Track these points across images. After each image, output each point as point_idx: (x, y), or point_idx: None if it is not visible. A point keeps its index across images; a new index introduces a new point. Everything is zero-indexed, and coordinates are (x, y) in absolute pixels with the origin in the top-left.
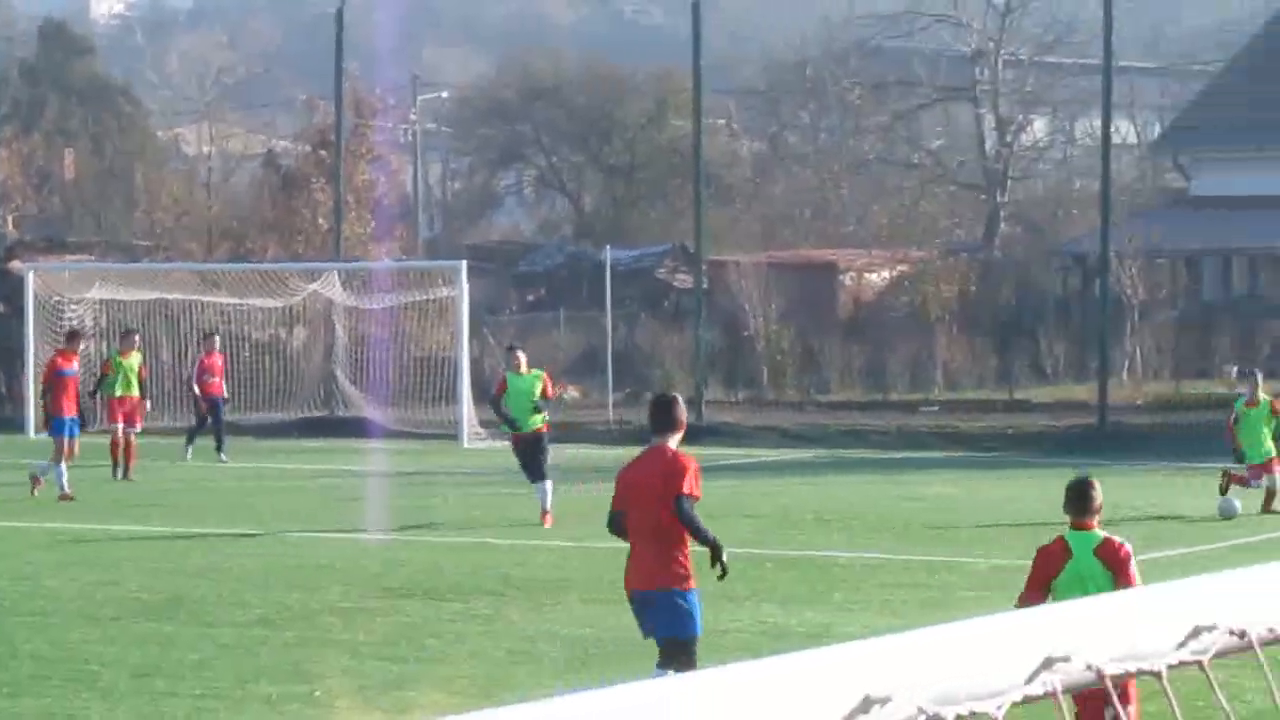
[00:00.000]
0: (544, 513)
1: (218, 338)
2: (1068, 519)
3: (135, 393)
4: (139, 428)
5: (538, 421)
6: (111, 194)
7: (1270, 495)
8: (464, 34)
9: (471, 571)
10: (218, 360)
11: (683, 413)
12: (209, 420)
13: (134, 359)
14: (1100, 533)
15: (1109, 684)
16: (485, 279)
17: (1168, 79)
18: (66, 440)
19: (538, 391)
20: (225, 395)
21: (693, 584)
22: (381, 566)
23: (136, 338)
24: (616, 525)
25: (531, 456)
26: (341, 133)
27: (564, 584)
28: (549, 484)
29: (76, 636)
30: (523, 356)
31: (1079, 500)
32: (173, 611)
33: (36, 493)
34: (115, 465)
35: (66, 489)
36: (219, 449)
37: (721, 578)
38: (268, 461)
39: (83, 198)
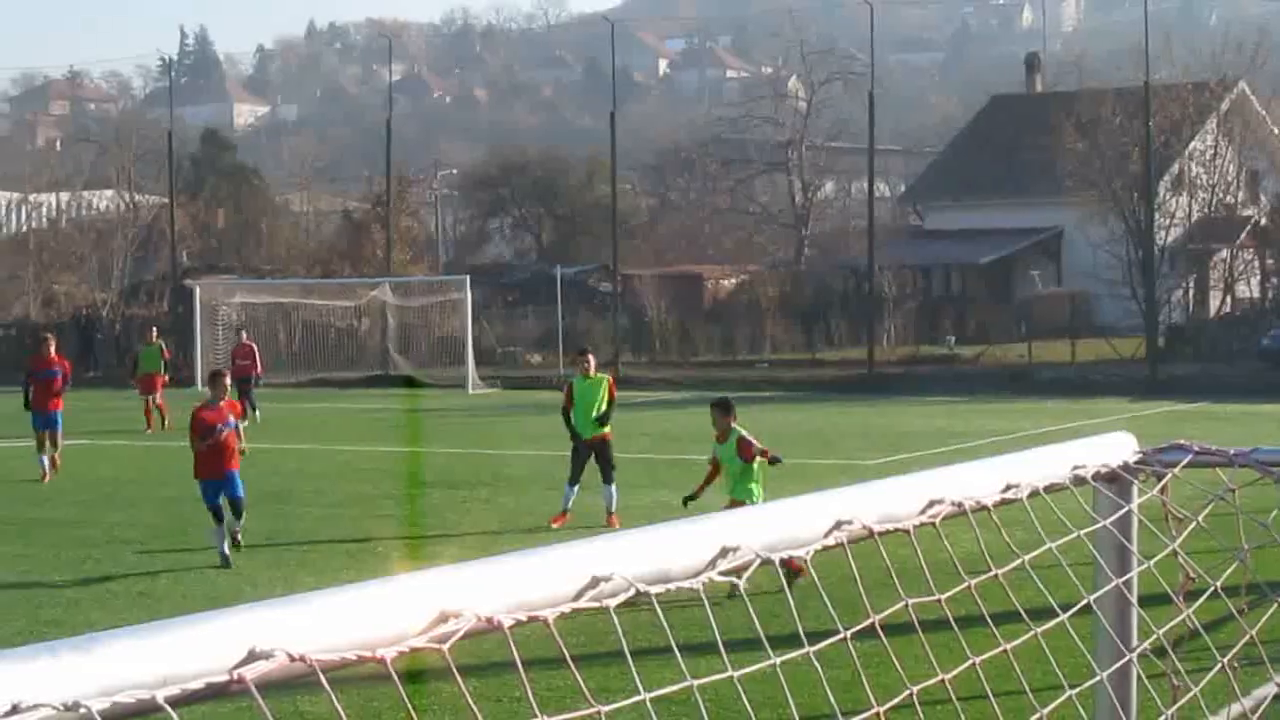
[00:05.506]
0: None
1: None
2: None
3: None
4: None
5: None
6: (247, 236)
7: None
8: (467, 133)
9: (475, 470)
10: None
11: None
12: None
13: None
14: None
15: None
16: (480, 287)
17: (908, 156)
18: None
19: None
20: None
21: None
22: (416, 467)
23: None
24: None
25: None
26: (390, 196)
27: (533, 479)
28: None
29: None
30: (592, 360)
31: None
32: (285, 498)
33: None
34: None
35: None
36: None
37: None
38: (345, 404)
39: (229, 239)
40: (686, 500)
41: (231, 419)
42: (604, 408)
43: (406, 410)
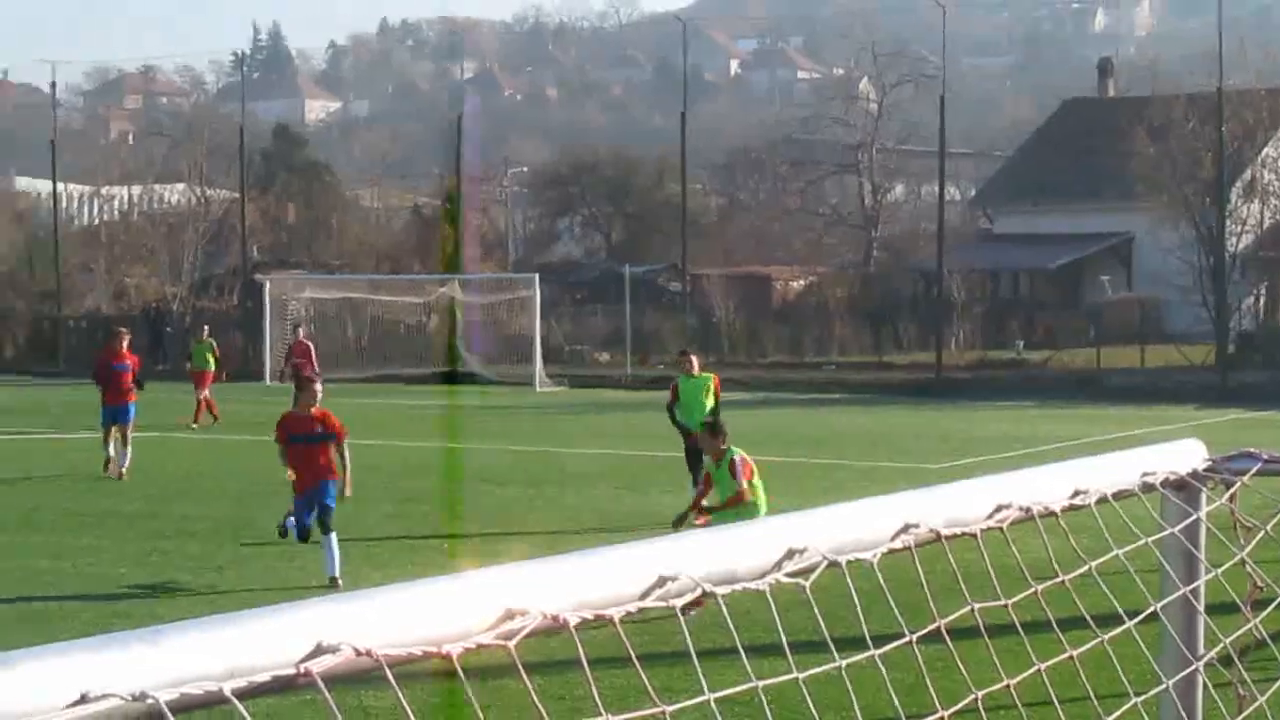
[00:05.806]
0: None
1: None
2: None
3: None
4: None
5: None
6: (317, 232)
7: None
8: (537, 132)
9: (541, 467)
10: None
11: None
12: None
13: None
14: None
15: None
16: (549, 285)
17: (979, 159)
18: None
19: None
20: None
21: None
22: (484, 464)
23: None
24: None
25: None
26: (460, 193)
27: (599, 477)
28: None
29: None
30: (695, 360)
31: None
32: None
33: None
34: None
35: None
36: None
37: None
38: (412, 399)
39: (299, 234)
40: (676, 522)
41: (319, 429)
42: (711, 403)
43: (473, 407)
